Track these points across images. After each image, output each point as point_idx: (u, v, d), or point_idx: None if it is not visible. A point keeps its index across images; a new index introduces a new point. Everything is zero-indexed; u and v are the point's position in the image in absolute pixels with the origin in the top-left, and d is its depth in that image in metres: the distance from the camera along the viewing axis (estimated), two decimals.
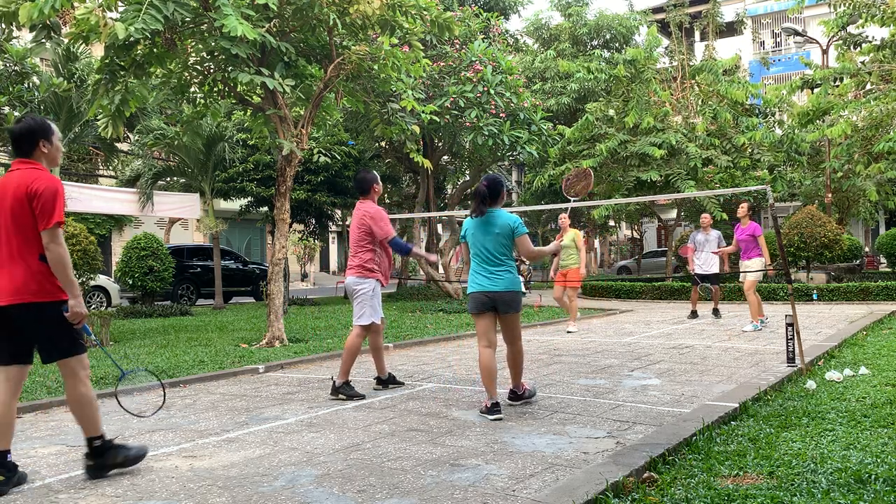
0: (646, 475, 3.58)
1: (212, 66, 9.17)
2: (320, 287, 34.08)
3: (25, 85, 12.61)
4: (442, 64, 15.43)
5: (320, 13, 8.18)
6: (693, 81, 19.91)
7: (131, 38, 7.42)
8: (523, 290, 6.95)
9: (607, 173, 18.96)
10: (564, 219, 8.70)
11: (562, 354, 8.33)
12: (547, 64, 24.22)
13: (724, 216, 17.87)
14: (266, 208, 18.69)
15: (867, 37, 16.29)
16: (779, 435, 4.31)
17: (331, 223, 21.30)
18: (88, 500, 3.55)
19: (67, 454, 4.42)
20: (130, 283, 15.42)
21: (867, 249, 29.33)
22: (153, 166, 17.47)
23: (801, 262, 17.50)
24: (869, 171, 18.54)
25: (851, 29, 16.53)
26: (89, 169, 24.26)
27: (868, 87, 16.00)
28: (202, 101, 9.78)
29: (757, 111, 20.78)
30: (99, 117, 8.74)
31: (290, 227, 12.78)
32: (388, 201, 21.93)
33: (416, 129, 10.55)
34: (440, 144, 18.54)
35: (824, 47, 19.65)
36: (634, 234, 40.28)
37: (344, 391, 5.91)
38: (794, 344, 6.75)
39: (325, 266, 44.34)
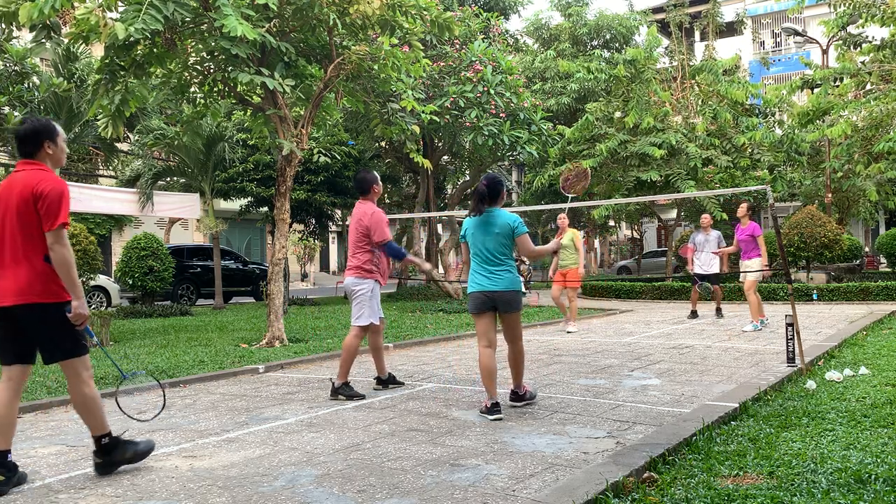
0: (646, 475, 3.58)
1: (212, 66, 9.17)
2: (320, 287, 34.08)
3: (25, 85, 12.62)
4: (442, 64, 15.43)
5: (320, 13, 8.18)
6: (693, 81, 19.91)
7: (131, 38, 7.42)
8: (523, 289, 6.95)
9: (607, 173, 18.96)
10: (563, 219, 8.72)
11: (562, 354, 8.33)
12: (547, 64, 24.21)
13: (724, 216, 17.87)
14: (266, 208, 18.70)
15: (867, 37, 16.29)
16: (779, 435, 4.31)
17: (331, 223, 21.30)
18: (88, 500, 3.55)
19: (67, 454, 4.42)
20: (130, 283, 15.42)
21: (867, 249, 29.33)
22: (153, 166, 17.47)
23: (801, 262, 17.50)
24: (869, 171, 18.54)
25: (851, 29, 16.53)
26: (89, 169, 24.26)
27: (868, 87, 15.99)
28: (202, 101, 9.78)
29: (757, 111, 20.78)
30: (99, 117, 8.74)
31: (290, 227, 12.78)
32: (388, 201, 21.93)
33: (416, 129, 10.54)
34: (440, 144, 18.54)
35: (824, 47, 19.65)
36: (634, 234, 40.29)
37: (343, 392, 5.91)
38: (794, 344, 6.75)
39: (325, 266, 44.34)
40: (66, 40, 11.48)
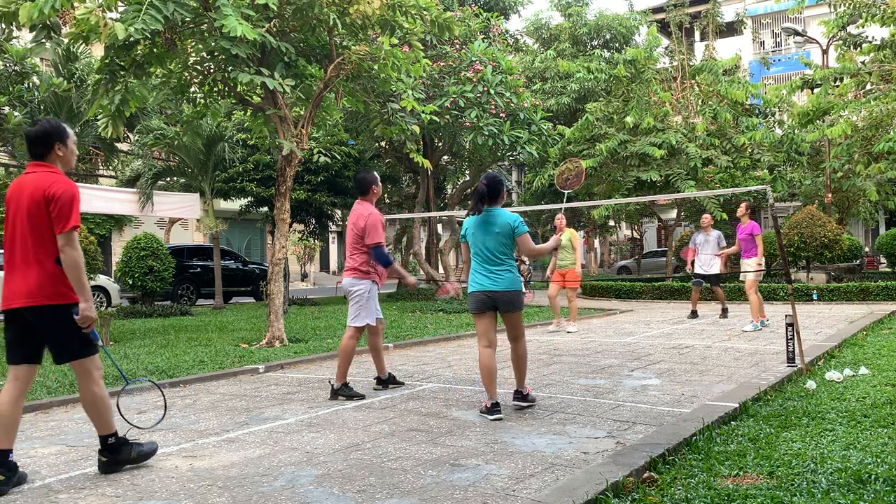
0: (646, 475, 3.58)
1: (212, 66, 9.17)
2: (320, 287, 34.08)
3: (25, 85, 12.62)
4: (442, 64, 15.43)
5: (320, 13, 8.18)
6: (693, 81, 19.91)
7: (131, 39, 7.42)
8: (523, 289, 6.95)
9: (607, 173, 18.96)
10: (561, 219, 8.74)
11: (562, 354, 8.33)
12: (547, 64, 24.22)
13: (724, 216, 17.87)
14: (266, 208, 18.69)
15: (867, 37, 16.27)
16: (779, 435, 4.31)
17: (331, 223, 21.29)
18: (88, 500, 3.55)
19: (67, 454, 4.42)
20: (130, 283, 15.42)
21: (867, 249, 29.34)
22: (153, 166, 17.47)
23: (801, 262, 17.50)
24: (869, 171, 18.55)
25: (851, 29, 16.51)
26: (89, 169, 24.24)
27: (868, 87, 15.99)
28: (202, 101, 9.78)
29: (757, 111, 20.78)
30: (99, 117, 8.74)
31: (290, 227, 12.78)
32: (388, 201, 21.93)
33: (416, 129, 10.54)
34: (440, 144, 18.54)
35: (824, 47, 19.65)
36: (634, 234, 40.29)
37: (343, 392, 5.91)
38: (794, 344, 6.75)
39: (325, 266, 44.35)
40: (66, 40, 11.49)
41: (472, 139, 15.24)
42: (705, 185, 17.43)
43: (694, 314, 12.46)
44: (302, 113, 9.71)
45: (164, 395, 4.91)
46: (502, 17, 21.64)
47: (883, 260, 26.85)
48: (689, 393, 5.78)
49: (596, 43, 27.22)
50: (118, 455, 3.95)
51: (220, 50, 8.10)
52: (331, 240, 42.29)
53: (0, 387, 3.97)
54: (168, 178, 19.33)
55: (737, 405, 4.97)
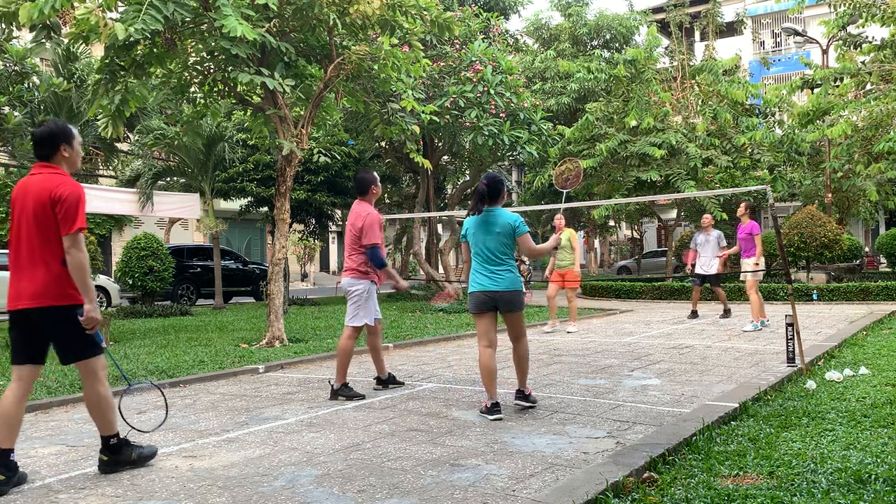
0: (646, 475, 3.58)
1: (212, 66, 9.17)
2: (320, 287, 34.08)
3: (25, 85, 12.60)
4: (442, 64, 15.43)
5: (320, 13, 8.18)
6: (693, 81, 19.90)
7: (131, 39, 7.42)
8: (524, 289, 6.95)
9: (607, 173, 18.95)
10: (560, 219, 8.74)
11: (562, 354, 8.33)
12: (547, 64, 24.21)
13: (724, 216, 17.87)
14: (266, 208, 18.69)
15: (867, 37, 16.28)
16: (779, 435, 4.31)
17: (331, 223, 21.30)
18: (88, 500, 3.55)
19: (67, 454, 4.42)
20: (130, 283, 15.42)
21: (867, 249, 29.33)
22: (153, 166, 17.47)
23: (801, 262, 17.50)
24: (869, 171, 18.54)
25: (851, 29, 16.52)
26: (89, 169, 24.22)
27: (868, 87, 15.99)
28: (202, 101, 9.79)
29: (757, 111, 20.77)
30: (99, 117, 8.74)
31: (290, 227, 12.78)
32: (387, 201, 21.92)
33: (416, 129, 10.54)
34: (440, 144, 18.54)
35: (824, 47, 19.65)
36: (634, 234, 40.28)
37: (343, 393, 5.91)
38: (794, 344, 6.75)
39: (325, 266, 44.35)
40: (66, 40, 11.49)
41: (472, 139, 15.24)
42: (705, 185, 17.43)
43: (694, 314, 12.46)
44: (302, 113, 9.71)
45: (164, 397, 4.91)
46: (502, 17, 21.63)
47: (883, 260, 26.85)
48: (689, 393, 5.78)
49: (596, 43, 27.21)
50: (119, 456, 3.96)
51: (220, 50, 8.10)
52: (331, 240, 42.29)
53: (3, 387, 3.97)
54: (168, 178, 19.33)
55: (737, 405, 4.97)
